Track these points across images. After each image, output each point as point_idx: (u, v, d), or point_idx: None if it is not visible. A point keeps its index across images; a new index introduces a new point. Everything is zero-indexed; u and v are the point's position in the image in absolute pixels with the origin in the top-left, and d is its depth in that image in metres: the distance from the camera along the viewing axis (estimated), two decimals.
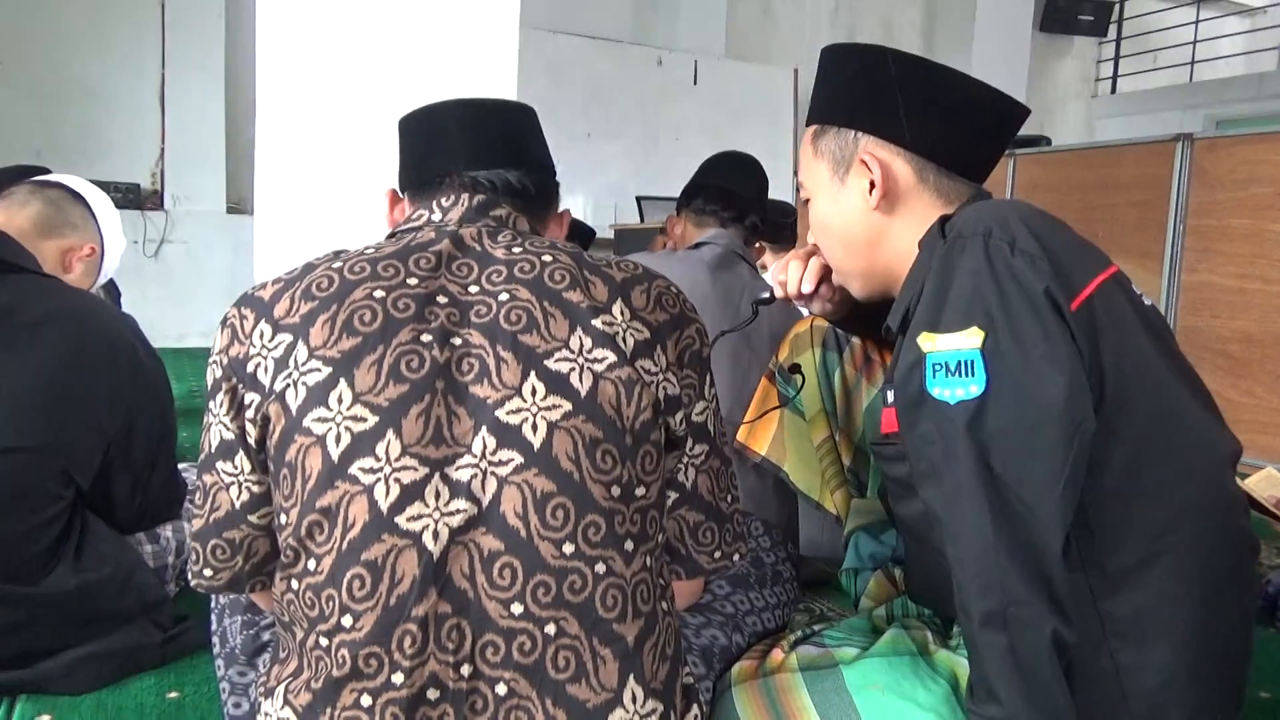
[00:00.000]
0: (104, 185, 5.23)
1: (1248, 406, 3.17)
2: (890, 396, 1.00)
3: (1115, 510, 0.88)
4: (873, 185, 1.05)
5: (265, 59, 2.05)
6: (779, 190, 5.29)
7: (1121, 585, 0.88)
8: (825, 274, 1.25)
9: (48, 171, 2.10)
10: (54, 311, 1.38)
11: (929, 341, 0.88)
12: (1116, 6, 8.81)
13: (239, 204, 5.78)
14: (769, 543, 1.47)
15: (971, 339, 0.85)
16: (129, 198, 5.37)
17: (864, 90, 1.06)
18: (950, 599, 0.90)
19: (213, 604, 1.22)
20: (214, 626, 1.21)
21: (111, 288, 2.98)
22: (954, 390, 0.86)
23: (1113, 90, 9.08)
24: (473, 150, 0.96)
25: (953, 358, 0.86)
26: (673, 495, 0.91)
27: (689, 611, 1.17)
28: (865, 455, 1.47)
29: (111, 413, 1.39)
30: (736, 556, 0.97)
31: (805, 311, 1.48)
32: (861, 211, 1.07)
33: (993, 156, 1.10)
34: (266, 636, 1.14)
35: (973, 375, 0.85)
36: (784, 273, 1.27)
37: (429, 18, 2.09)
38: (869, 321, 1.29)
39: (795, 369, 1.49)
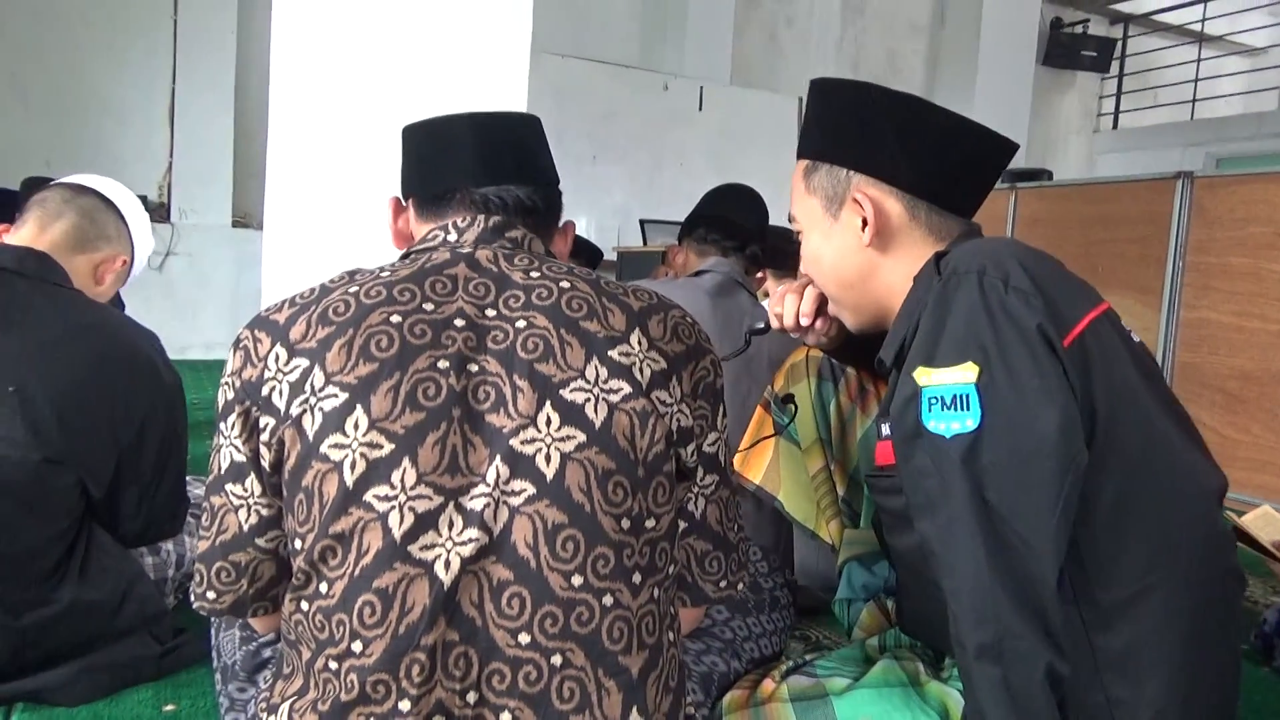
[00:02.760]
0: None
1: (1244, 444, 3.18)
2: (885, 429, 1.02)
3: (1106, 544, 0.89)
4: (865, 223, 1.07)
5: (279, 76, 2.08)
6: (781, 218, 5.30)
7: (1113, 619, 0.89)
8: (821, 306, 1.26)
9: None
10: (76, 325, 1.39)
11: (925, 376, 0.89)
12: (1119, 43, 8.90)
13: (244, 218, 5.81)
14: (766, 568, 1.47)
15: (966, 374, 0.87)
16: None
17: (855, 128, 1.08)
18: (942, 631, 0.91)
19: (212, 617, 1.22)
20: (212, 640, 1.22)
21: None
22: (949, 424, 0.87)
23: (1114, 126, 9.15)
24: (482, 167, 0.96)
25: (948, 392, 0.87)
26: (681, 524, 0.91)
27: (689, 637, 1.17)
28: (859, 485, 1.47)
29: (126, 424, 1.40)
30: (740, 585, 0.97)
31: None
32: (854, 248, 1.09)
33: (982, 192, 1.11)
34: (267, 653, 1.14)
35: (968, 409, 0.86)
36: (780, 304, 1.28)
37: (442, 39, 2.12)
38: (864, 353, 1.30)
39: (789, 399, 1.50)
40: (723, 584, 0.95)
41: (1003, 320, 0.87)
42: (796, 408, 1.48)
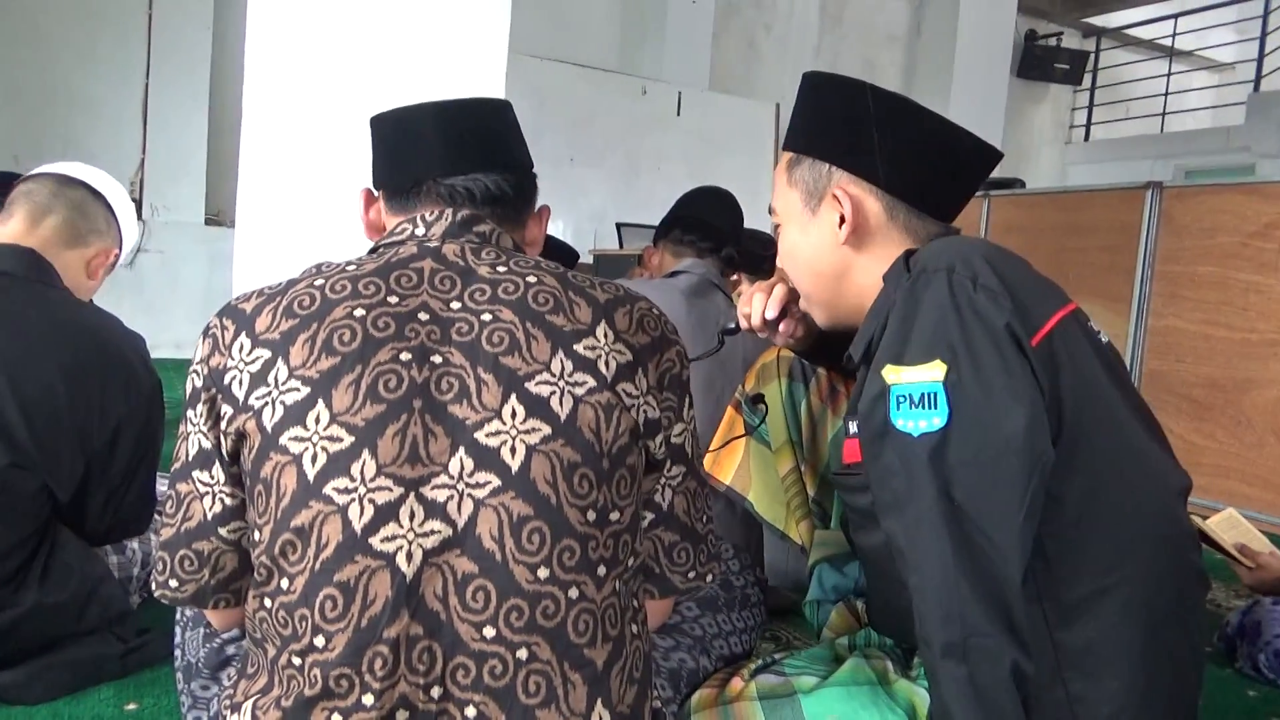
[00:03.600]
0: None
1: (1210, 450, 3.23)
2: (852, 427, 1.02)
3: (1071, 542, 0.90)
4: (843, 220, 1.07)
5: (253, 74, 2.06)
6: (758, 222, 5.34)
7: (1076, 616, 0.90)
8: (788, 305, 1.26)
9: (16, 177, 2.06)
10: (55, 328, 1.36)
11: (893, 374, 0.90)
12: (1091, 56, 9.04)
13: (218, 216, 5.76)
14: (738, 566, 1.47)
15: (934, 372, 0.87)
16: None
17: (842, 125, 1.08)
18: (911, 629, 0.91)
19: (178, 616, 1.21)
20: (177, 639, 1.20)
21: None
22: (917, 422, 0.87)
23: (1086, 137, 9.29)
24: (448, 156, 0.95)
25: (916, 390, 0.88)
26: (649, 516, 0.91)
27: (658, 634, 1.17)
28: (830, 486, 1.47)
29: (98, 430, 1.37)
30: (710, 577, 0.96)
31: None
32: (830, 244, 1.09)
33: (963, 198, 1.12)
34: (230, 650, 1.13)
35: (935, 408, 0.86)
36: (748, 304, 1.28)
37: (419, 40, 2.11)
38: (833, 353, 1.31)
39: (759, 399, 1.50)
40: (691, 575, 0.94)
41: (971, 319, 0.87)
42: (767, 407, 1.48)
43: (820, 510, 1.48)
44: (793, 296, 1.28)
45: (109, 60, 5.47)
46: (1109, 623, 0.90)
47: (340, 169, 2.03)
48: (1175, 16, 8.73)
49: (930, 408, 0.87)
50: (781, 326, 1.28)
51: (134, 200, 5.56)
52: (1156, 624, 0.91)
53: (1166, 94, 8.84)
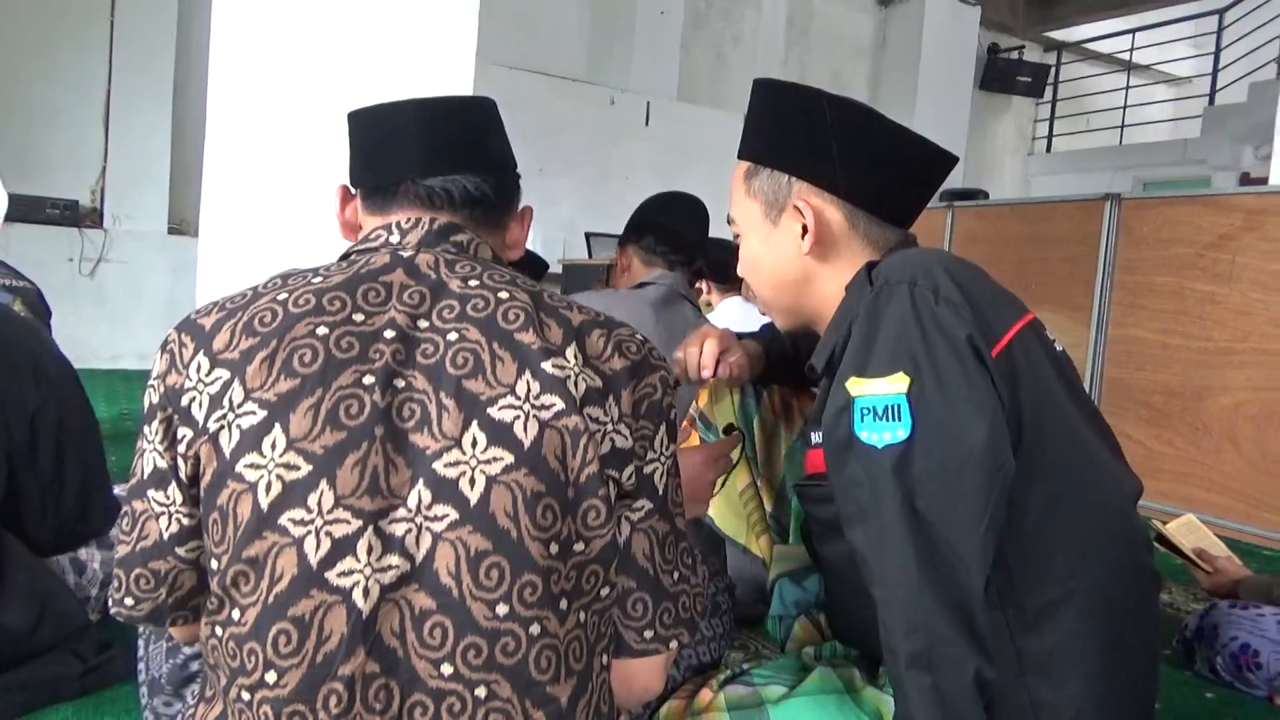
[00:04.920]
0: (41, 200, 5.12)
1: (1168, 456, 3.29)
2: (815, 437, 1.02)
3: (1032, 550, 0.91)
4: (805, 231, 1.07)
5: (218, 82, 2.04)
6: (724, 230, 5.36)
7: (1038, 623, 0.91)
8: (723, 352, 1.30)
9: None
10: None
11: (857, 386, 0.90)
12: (1052, 70, 9.20)
13: (181, 225, 5.68)
14: (706, 573, 1.47)
15: (897, 384, 0.88)
16: (66, 214, 5.24)
17: (799, 135, 1.08)
18: (872, 638, 0.92)
19: (140, 629, 1.19)
20: (140, 652, 1.18)
21: (40, 304, 2.85)
22: (881, 434, 0.88)
23: (1048, 149, 9.45)
24: (428, 157, 0.92)
25: (880, 402, 0.88)
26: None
27: None
28: (786, 501, 1.47)
29: (16, 422, 1.33)
30: (674, 644, 0.87)
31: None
32: (793, 255, 1.09)
33: (921, 203, 1.12)
34: (194, 666, 1.11)
35: (899, 420, 0.87)
36: (682, 359, 1.30)
37: (386, 48, 2.11)
38: (783, 375, 1.32)
39: (730, 429, 1.47)
40: (648, 634, 0.85)
41: (933, 331, 0.88)
42: (743, 434, 1.45)
43: (778, 525, 1.47)
44: (725, 345, 1.31)
45: (70, 67, 5.39)
46: (1069, 628, 0.91)
47: (305, 179, 2.02)
48: (1134, 31, 8.92)
49: (894, 420, 0.87)
50: (719, 372, 1.30)
51: (95, 209, 5.49)
52: (1115, 627, 0.93)
53: (1125, 107, 9.03)
